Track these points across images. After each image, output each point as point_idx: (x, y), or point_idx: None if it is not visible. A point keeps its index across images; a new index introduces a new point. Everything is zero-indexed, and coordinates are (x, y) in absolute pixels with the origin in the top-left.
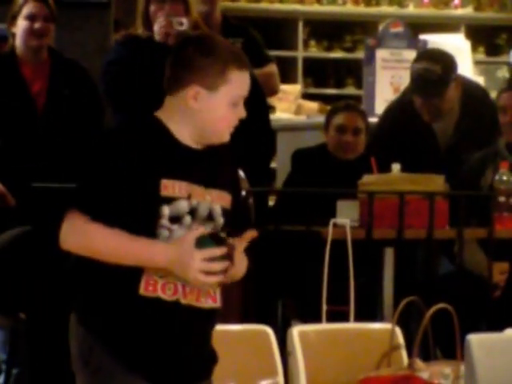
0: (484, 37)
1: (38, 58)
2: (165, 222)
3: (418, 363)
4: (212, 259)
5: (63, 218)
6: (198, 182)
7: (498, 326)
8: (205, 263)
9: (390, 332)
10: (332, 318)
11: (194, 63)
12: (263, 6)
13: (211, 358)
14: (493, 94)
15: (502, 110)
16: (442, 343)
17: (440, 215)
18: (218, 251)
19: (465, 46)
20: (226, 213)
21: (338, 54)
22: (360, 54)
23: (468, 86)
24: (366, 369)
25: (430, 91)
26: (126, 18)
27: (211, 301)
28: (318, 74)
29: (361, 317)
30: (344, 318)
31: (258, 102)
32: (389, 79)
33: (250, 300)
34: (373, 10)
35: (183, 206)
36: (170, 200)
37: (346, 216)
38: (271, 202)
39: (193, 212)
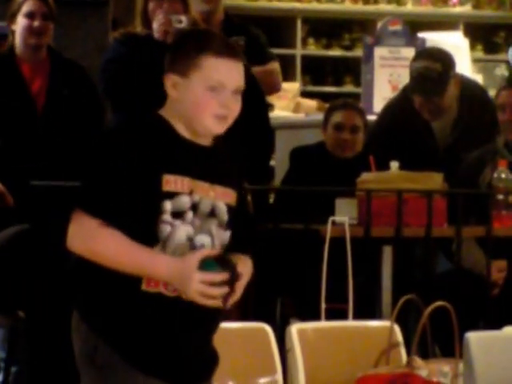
0: (482, 35)
1: (37, 56)
2: (167, 217)
3: (417, 361)
4: (212, 283)
5: (69, 218)
6: (203, 177)
7: (496, 324)
8: (203, 286)
9: (389, 330)
10: (331, 315)
11: (171, 53)
12: (262, 3)
13: (212, 359)
14: (491, 92)
15: (501, 108)
16: (441, 341)
17: (438, 213)
18: (219, 277)
19: (463, 43)
20: (231, 210)
21: (336, 52)
22: (358, 52)
23: (466, 84)
24: (364, 366)
25: (430, 89)
26: (124, 16)
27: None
28: (316, 71)
29: (359, 315)
30: (343, 315)
31: (256, 99)
32: (387, 77)
33: (248, 298)
34: (371, 7)
35: (185, 201)
36: (171, 195)
37: (345, 214)
38: (270, 200)
39: (194, 207)
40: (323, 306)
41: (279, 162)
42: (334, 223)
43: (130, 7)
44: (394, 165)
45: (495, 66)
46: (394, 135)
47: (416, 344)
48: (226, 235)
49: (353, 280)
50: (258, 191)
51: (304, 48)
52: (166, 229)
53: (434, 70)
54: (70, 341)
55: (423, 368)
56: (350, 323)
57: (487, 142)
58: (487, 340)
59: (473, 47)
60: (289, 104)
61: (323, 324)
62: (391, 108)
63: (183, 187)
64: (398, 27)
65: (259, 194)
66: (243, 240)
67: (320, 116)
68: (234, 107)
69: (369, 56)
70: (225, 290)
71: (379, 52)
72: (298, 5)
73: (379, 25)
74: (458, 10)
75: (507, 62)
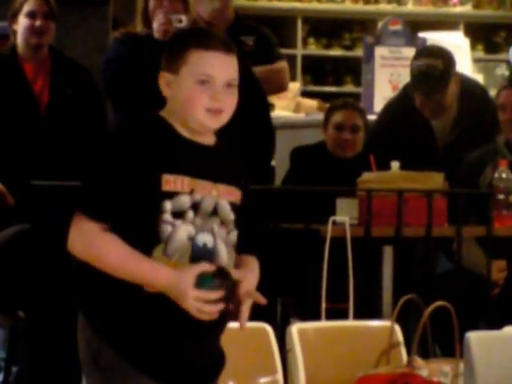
0: (483, 34)
1: (39, 56)
2: (167, 217)
3: (417, 361)
4: (207, 301)
5: (70, 220)
6: (204, 176)
7: (496, 324)
8: (198, 303)
9: (389, 330)
10: (331, 315)
11: (164, 52)
12: (262, 3)
13: (218, 361)
14: (492, 92)
15: (501, 107)
16: (441, 341)
17: (439, 213)
18: (213, 295)
19: (464, 43)
20: (235, 208)
21: (336, 52)
22: (359, 52)
23: (467, 84)
24: (365, 366)
25: (432, 87)
26: (124, 15)
27: None
28: (316, 71)
29: (360, 314)
30: (343, 315)
31: (255, 98)
32: (387, 77)
33: None
34: (371, 7)
35: (185, 200)
36: (171, 195)
37: (346, 214)
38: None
39: (196, 207)
40: (324, 305)
41: (279, 162)
42: (334, 223)
43: (130, 6)
44: (395, 165)
45: (496, 65)
46: (395, 135)
47: (416, 344)
48: (232, 234)
49: (353, 280)
50: (258, 191)
51: (304, 48)
52: (166, 229)
53: (435, 67)
54: (70, 341)
55: (424, 368)
56: (351, 323)
57: (487, 142)
58: (487, 340)
59: (473, 47)
60: (289, 104)
61: (324, 324)
62: (391, 107)
63: (183, 187)
64: (398, 27)
65: (260, 194)
66: (249, 239)
67: (320, 116)
68: (228, 100)
69: (369, 56)
70: (220, 307)
71: (380, 52)
72: (298, 4)
73: (380, 25)
74: (459, 9)
75: (508, 62)
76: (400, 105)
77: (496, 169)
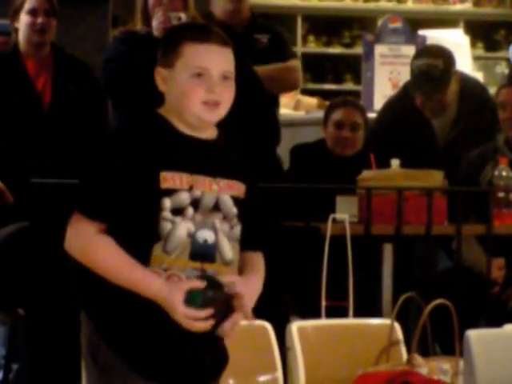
0: (483, 32)
1: (41, 53)
2: (167, 214)
3: (417, 359)
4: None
5: (68, 220)
6: (204, 172)
7: (496, 322)
8: (187, 320)
9: (389, 328)
10: (331, 313)
11: (159, 48)
12: (262, 1)
13: (220, 360)
14: (492, 90)
15: (501, 106)
16: (441, 339)
17: (439, 211)
18: (201, 314)
19: (464, 41)
20: (238, 202)
21: (336, 50)
22: (359, 50)
23: (467, 82)
24: (364, 364)
25: (433, 87)
26: (124, 13)
27: None
28: (316, 69)
29: (360, 312)
30: (343, 313)
31: (255, 94)
32: (387, 75)
33: None
34: (371, 5)
35: (184, 197)
36: (170, 192)
37: (345, 212)
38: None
39: (196, 203)
40: (323, 303)
41: None
42: (334, 221)
43: (129, 4)
44: (395, 163)
45: (496, 63)
46: (395, 133)
47: (416, 342)
48: (236, 229)
49: (353, 278)
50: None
51: (304, 45)
52: (166, 226)
53: (435, 66)
54: (70, 338)
55: (423, 366)
56: (351, 321)
57: (487, 140)
58: (487, 338)
59: (473, 45)
60: (289, 102)
61: (323, 322)
62: (391, 106)
63: (182, 183)
64: (398, 25)
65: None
66: (255, 234)
67: (320, 114)
68: (224, 92)
69: (369, 54)
70: (210, 323)
71: (379, 50)
72: (298, 2)
73: (379, 22)
74: (459, 7)
75: (508, 60)
76: (400, 103)
77: (496, 167)
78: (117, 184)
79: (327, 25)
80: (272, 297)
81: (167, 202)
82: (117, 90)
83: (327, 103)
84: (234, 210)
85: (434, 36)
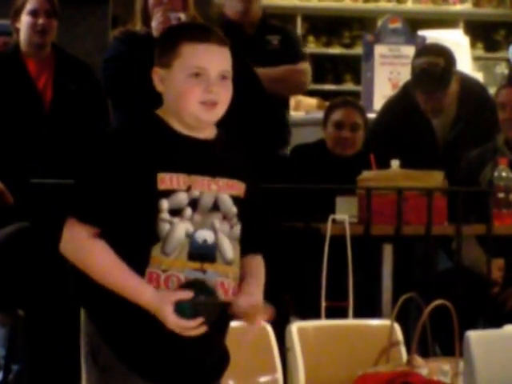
0: (483, 33)
1: (42, 54)
2: (165, 215)
3: (417, 359)
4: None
5: (64, 223)
6: (202, 172)
7: (496, 323)
8: (178, 329)
9: (389, 328)
10: (331, 314)
11: (156, 48)
12: (262, 1)
13: (222, 360)
14: (492, 90)
15: (501, 106)
16: (441, 339)
17: (438, 211)
18: (191, 324)
19: (463, 41)
20: (238, 201)
21: (336, 50)
22: (358, 50)
23: (466, 82)
24: (364, 365)
25: (434, 85)
26: (124, 13)
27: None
28: (316, 69)
29: (359, 313)
30: (343, 314)
31: (256, 96)
32: (387, 75)
33: None
34: (371, 5)
35: (182, 198)
36: (168, 193)
37: (345, 212)
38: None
39: (194, 203)
40: (323, 304)
41: None
42: (334, 221)
43: (129, 5)
44: (395, 163)
45: (495, 64)
46: (394, 133)
47: (416, 342)
48: (236, 228)
49: (353, 278)
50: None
51: (304, 46)
52: (165, 227)
53: (437, 64)
54: (70, 339)
55: (423, 366)
56: (350, 322)
57: (487, 141)
58: (487, 338)
59: (473, 45)
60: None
61: (323, 322)
62: (391, 106)
63: (179, 184)
64: (398, 25)
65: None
66: (256, 235)
67: (320, 114)
68: (222, 92)
69: (369, 54)
70: (202, 330)
71: (379, 50)
72: (298, 2)
73: (379, 23)
74: (459, 7)
75: (507, 60)
76: (400, 103)
77: (496, 167)
78: (112, 187)
79: (327, 25)
80: (272, 297)
81: (165, 203)
82: (116, 90)
83: (327, 103)
84: (234, 210)
85: (434, 36)
